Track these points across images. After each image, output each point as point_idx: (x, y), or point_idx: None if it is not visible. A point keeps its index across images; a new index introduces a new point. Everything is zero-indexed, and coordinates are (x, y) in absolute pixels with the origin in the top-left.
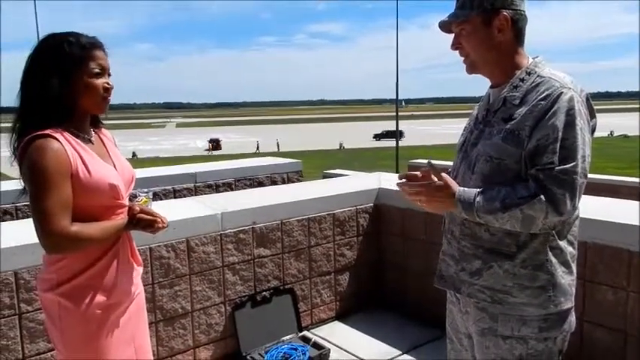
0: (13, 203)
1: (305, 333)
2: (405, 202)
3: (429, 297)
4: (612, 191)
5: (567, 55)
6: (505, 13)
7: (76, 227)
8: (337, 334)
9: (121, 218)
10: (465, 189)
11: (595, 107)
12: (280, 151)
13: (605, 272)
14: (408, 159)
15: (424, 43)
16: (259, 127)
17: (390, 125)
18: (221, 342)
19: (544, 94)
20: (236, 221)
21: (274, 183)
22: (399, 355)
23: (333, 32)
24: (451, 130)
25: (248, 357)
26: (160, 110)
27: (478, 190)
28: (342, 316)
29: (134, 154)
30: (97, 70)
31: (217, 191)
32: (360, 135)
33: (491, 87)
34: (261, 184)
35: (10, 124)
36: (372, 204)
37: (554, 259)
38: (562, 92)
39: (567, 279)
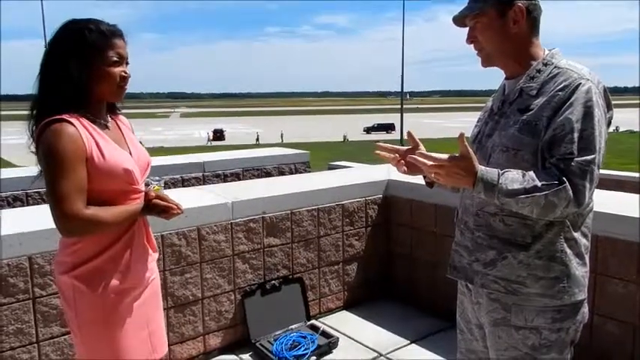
0: (23, 190)
1: (313, 322)
2: (414, 194)
3: (437, 288)
4: (617, 186)
5: (574, 50)
6: (520, 4)
7: (91, 210)
8: (345, 324)
9: (136, 203)
10: (488, 169)
11: None
12: (284, 142)
13: (615, 265)
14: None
15: (430, 35)
16: (263, 118)
17: (395, 118)
18: (230, 329)
19: (562, 85)
20: (246, 210)
21: (282, 173)
22: (407, 344)
23: (339, 24)
24: (458, 124)
25: (257, 344)
26: (164, 100)
27: (500, 171)
28: (349, 306)
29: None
30: (115, 59)
31: (225, 181)
32: (364, 127)
33: (507, 78)
34: (268, 174)
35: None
36: (380, 195)
37: (568, 251)
38: (580, 83)
39: (581, 270)
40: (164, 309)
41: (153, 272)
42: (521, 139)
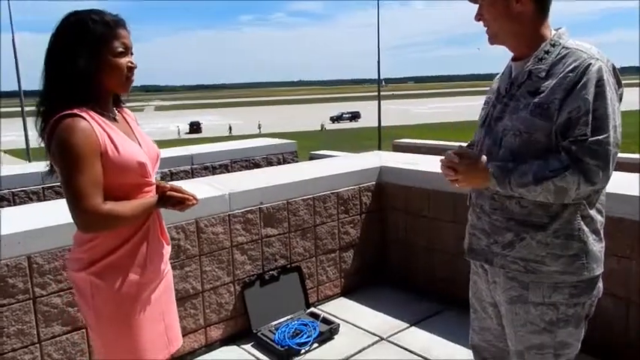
0: (8, 189)
1: (313, 309)
2: (407, 180)
3: (432, 272)
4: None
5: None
6: None
7: (109, 205)
8: (344, 310)
9: (150, 196)
10: (497, 164)
11: None
12: (262, 133)
13: (610, 242)
14: (392, 138)
15: (404, 20)
16: (240, 109)
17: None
18: (231, 320)
19: (572, 66)
20: (243, 202)
21: (270, 164)
22: (407, 327)
23: (313, 10)
24: (433, 110)
25: (259, 334)
26: (138, 93)
27: (510, 164)
28: (347, 293)
29: None
30: (121, 49)
31: (214, 173)
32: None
33: (513, 60)
34: (257, 165)
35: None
36: (374, 182)
37: (585, 228)
38: (590, 63)
39: (598, 246)
40: None
41: (167, 265)
42: (533, 121)
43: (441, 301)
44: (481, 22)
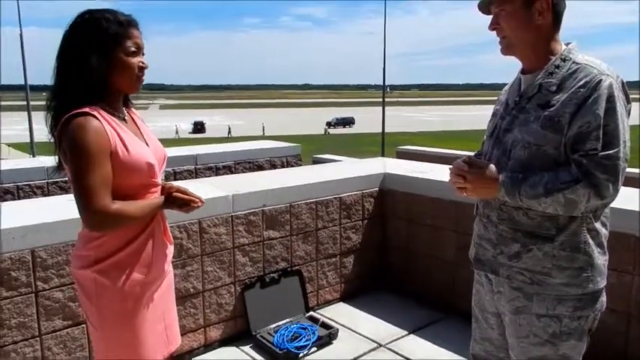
0: (14, 182)
1: (312, 313)
2: (410, 187)
3: (434, 280)
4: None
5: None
6: None
7: (117, 205)
8: (343, 315)
9: (156, 197)
10: (507, 174)
11: None
12: (265, 135)
13: (611, 256)
14: (394, 144)
15: (409, 29)
16: (244, 110)
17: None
18: (231, 321)
19: (583, 81)
20: (247, 203)
21: (274, 166)
22: (406, 334)
23: (317, 15)
24: (436, 117)
25: (258, 336)
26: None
27: (521, 175)
28: (346, 298)
29: None
30: (133, 49)
31: (217, 174)
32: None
33: (523, 72)
34: (260, 167)
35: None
36: (377, 188)
37: (591, 241)
38: (601, 79)
39: (602, 259)
40: None
41: (169, 265)
42: (543, 134)
43: (440, 310)
44: (494, 32)
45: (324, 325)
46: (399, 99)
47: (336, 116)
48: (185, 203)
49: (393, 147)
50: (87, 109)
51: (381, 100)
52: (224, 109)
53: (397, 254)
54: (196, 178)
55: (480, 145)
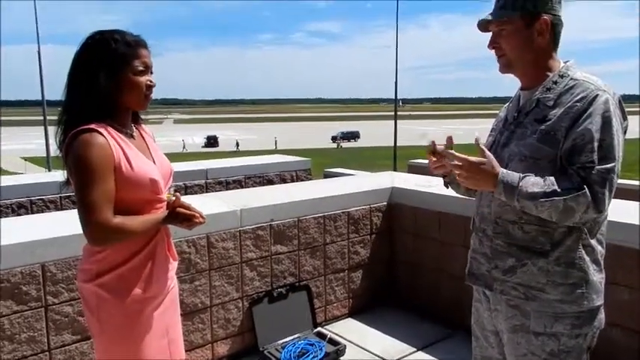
0: (27, 197)
1: (320, 329)
2: (418, 202)
3: (441, 295)
4: (618, 194)
5: (571, 57)
6: (546, 17)
7: (119, 219)
8: (351, 331)
9: (161, 212)
10: (509, 171)
11: None
12: (277, 148)
13: (621, 272)
14: (406, 158)
15: (422, 43)
16: (257, 124)
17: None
18: (238, 337)
19: (580, 96)
20: (255, 218)
21: (284, 181)
22: (414, 351)
23: (331, 31)
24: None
25: (265, 352)
26: (157, 106)
27: (521, 174)
28: (354, 313)
29: None
30: (141, 68)
31: (228, 188)
32: (361, 134)
33: (522, 89)
34: (270, 181)
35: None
36: (385, 203)
37: (586, 257)
38: (598, 94)
39: (598, 277)
40: None
41: (173, 281)
42: (540, 148)
43: (448, 326)
44: (493, 50)
45: (332, 342)
46: (411, 112)
47: (341, 130)
48: (187, 218)
49: (405, 160)
50: (93, 126)
51: (393, 113)
52: (237, 124)
53: (405, 269)
54: (207, 192)
55: None
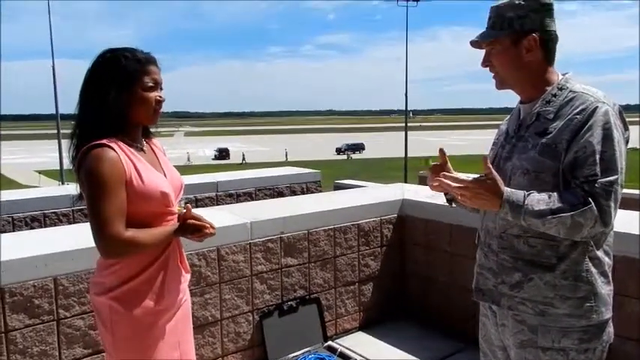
0: (41, 210)
1: (330, 343)
2: (429, 214)
3: (453, 308)
4: (623, 204)
5: (577, 68)
6: (534, 35)
7: (130, 232)
8: (361, 345)
9: (172, 225)
10: (514, 190)
11: None
12: (288, 160)
13: (633, 285)
14: (413, 169)
15: (432, 55)
16: (267, 136)
17: (399, 136)
18: (248, 351)
19: (579, 109)
20: (265, 230)
21: (294, 193)
22: None
23: (341, 43)
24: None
25: None
26: (168, 119)
27: (526, 192)
28: (365, 327)
29: None
30: (150, 84)
31: (238, 201)
32: (367, 146)
33: (521, 102)
34: (281, 194)
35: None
36: (395, 215)
37: (593, 270)
38: (597, 106)
39: (606, 289)
40: None
41: (185, 293)
42: (541, 161)
43: (460, 339)
44: (487, 68)
45: (343, 356)
46: (421, 124)
47: (346, 142)
48: (197, 229)
49: (416, 171)
50: (105, 141)
51: (403, 124)
52: (248, 136)
53: (416, 282)
54: (217, 204)
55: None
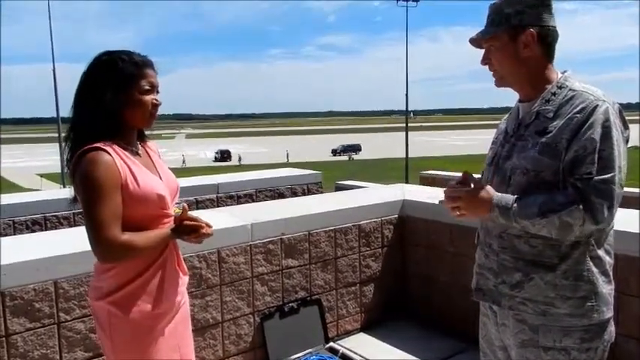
0: (42, 213)
1: (332, 344)
2: (430, 214)
3: (455, 309)
4: (625, 202)
5: (576, 67)
6: (532, 29)
7: (127, 236)
8: (363, 346)
9: (168, 227)
10: (503, 195)
11: None
12: (289, 161)
13: (635, 283)
14: (417, 169)
15: (432, 55)
16: (268, 137)
17: (400, 136)
18: (250, 353)
19: (579, 107)
20: (265, 232)
21: (295, 194)
22: None
23: (341, 44)
24: (459, 142)
25: None
26: (170, 121)
27: (516, 196)
28: (366, 328)
29: None
30: (147, 87)
31: (239, 202)
32: (368, 146)
33: (520, 101)
34: (281, 195)
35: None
36: (396, 215)
37: (594, 269)
38: (597, 105)
39: (607, 288)
40: None
41: (183, 296)
42: (541, 160)
43: (462, 340)
44: (487, 66)
45: (344, 357)
46: (422, 124)
47: (342, 143)
48: (194, 229)
49: (417, 171)
50: (100, 144)
51: (404, 125)
52: (249, 137)
53: (417, 282)
54: (218, 206)
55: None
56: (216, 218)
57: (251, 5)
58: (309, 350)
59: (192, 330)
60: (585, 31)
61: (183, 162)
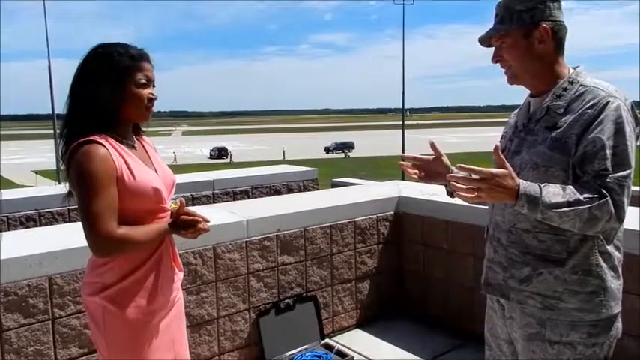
0: (36, 209)
1: (327, 340)
2: (425, 211)
3: (451, 305)
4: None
5: (576, 65)
6: (545, 24)
7: (123, 230)
8: (359, 342)
9: (164, 222)
10: (529, 182)
11: None
12: (285, 159)
13: (632, 280)
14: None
15: (428, 53)
16: (264, 135)
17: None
18: (245, 349)
19: (590, 103)
20: (261, 228)
21: (290, 191)
22: None
23: (337, 42)
24: (455, 140)
25: None
26: (166, 119)
27: (541, 184)
28: (362, 324)
29: None
30: (143, 81)
31: (235, 199)
32: (365, 144)
33: (531, 96)
34: (277, 192)
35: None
36: (392, 212)
37: (603, 264)
38: (609, 101)
39: (616, 283)
40: None
41: (178, 292)
42: (551, 156)
43: (458, 336)
44: (498, 64)
45: (340, 353)
46: (418, 122)
47: (335, 141)
48: (191, 224)
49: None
50: (94, 138)
51: (400, 123)
52: (245, 135)
53: (413, 279)
54: (214, 203)
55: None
56: (212, 214)
57: (247, 4)
58: (305, 346)
59: (188, 326)
60: (583, 30)
61: (175, 159)
